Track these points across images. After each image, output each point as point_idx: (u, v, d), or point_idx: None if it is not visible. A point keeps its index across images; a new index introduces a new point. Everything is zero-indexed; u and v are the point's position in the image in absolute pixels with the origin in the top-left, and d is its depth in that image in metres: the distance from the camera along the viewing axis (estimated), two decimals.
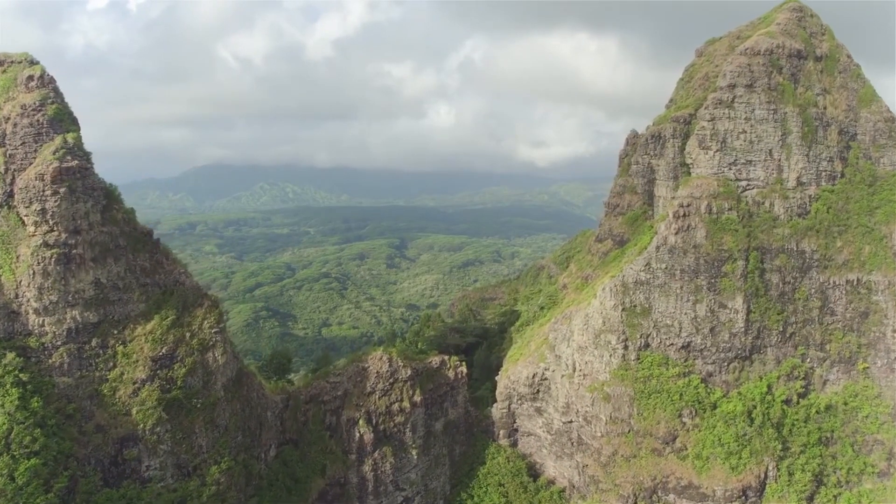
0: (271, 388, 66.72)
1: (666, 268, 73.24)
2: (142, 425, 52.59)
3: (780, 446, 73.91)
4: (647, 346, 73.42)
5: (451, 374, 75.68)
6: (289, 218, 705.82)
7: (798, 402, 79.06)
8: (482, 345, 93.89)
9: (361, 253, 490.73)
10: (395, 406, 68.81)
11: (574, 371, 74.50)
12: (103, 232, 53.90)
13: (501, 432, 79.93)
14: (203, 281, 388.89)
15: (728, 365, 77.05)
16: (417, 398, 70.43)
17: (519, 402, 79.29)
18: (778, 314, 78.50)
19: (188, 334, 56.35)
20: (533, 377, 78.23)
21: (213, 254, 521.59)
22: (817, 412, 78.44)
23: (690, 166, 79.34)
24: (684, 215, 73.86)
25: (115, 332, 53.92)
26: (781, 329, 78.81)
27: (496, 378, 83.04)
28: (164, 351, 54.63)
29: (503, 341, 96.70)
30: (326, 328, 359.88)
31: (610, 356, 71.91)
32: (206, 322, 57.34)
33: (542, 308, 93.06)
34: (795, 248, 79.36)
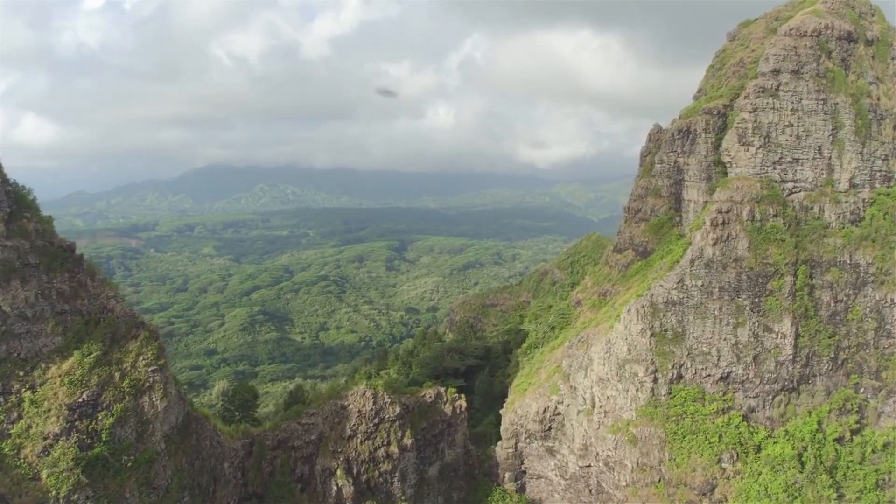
0: (231, 432, 55.47)
1: (702, 285, 61.92)
2: (54, 492, 41.32)
3: (834, 494, 62.75)
4: (680, 377, 62.11)
5: (448, 408, 64.41)
6: (288, 219, 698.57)
7: (851, 440, 68.10)
8: (484, 369, 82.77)
9: (360, 255, 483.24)
10: (381, 451, 57.54)
11: (593, 407, 63.19)
12: (7, 247, 42.73)
13: (507, 475, 68.61)
14: (200, 283, 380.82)
15: (773, 398, 65.78)
16: (408, 441, 59.17)
17: (527, 440, 67.98)
18: (829, 338, 67.36)
19: (118, 374, 45.11)
20: (544, 412, 66.88)
21: (211, 256, 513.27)
22: (873, 451, 67.44)
23: (727, 165, 68.05)
24: (723, 223, 62.57)
25: (21, 373, 42.69)
26: (833, 355, 67.68)
27: (500, 411, 71.73)
28: (85, 396, 43.39)
29: (507, 364, 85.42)
30: (324, 332, 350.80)
31: (636, 390, 60.58)
32: (141, 358, 46.09)
33: (552, 328, 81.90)
34: (849, 261, 68.15)
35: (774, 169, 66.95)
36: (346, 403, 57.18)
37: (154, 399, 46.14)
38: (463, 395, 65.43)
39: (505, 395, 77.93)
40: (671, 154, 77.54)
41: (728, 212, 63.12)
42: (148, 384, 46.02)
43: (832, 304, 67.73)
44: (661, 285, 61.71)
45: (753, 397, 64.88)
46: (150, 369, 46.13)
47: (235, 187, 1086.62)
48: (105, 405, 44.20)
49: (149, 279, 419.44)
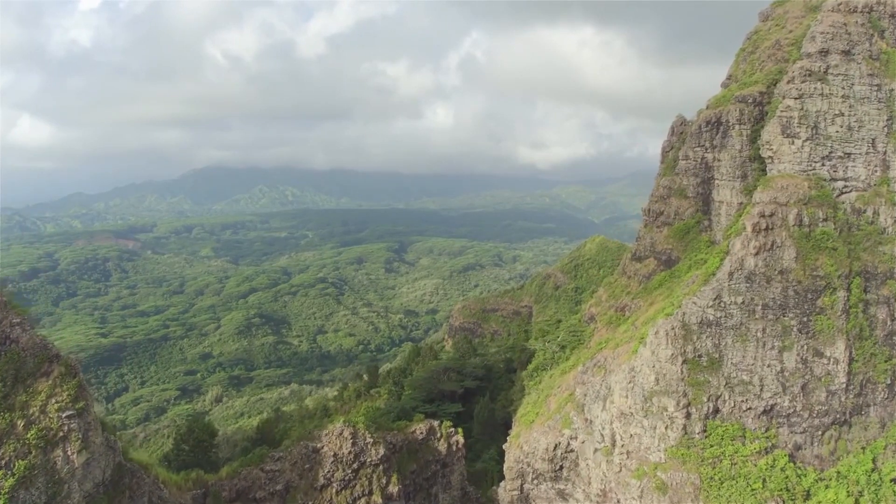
0: (180, 482, 46.05)
1: (743, 302, 52.42)
2: None
3: None
4: (717, 412, 52.61)
5: (442, 446, 54.93)
6: (287, 221, 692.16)
7: None
8: (485, 393, 73.31)
9: (359, 257, 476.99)
10: (362, 502, 48.06)
11: (613, 445, 53.69)
12: None
13: None
14: (196, 286, 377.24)
15: (823, 434, 56.27)
16: (394, 488, 49.71)
17: (535, 481, 58.50)
18: (885, 361, 57.90)
19: (21, 423, 35.71)
20: (554, 448, 57.40)
21: (209, 257, 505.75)
22: None
23: (768, 161, 58.61)
24: (767, 228, 53.10)
25: None
26: (889, 381, 58.21)
27: (504, 446, 62.27)
28: None
29: (511, 387, 75.92)
30: (322, 336, 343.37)
31: (665, 428, 51.09)
32: (53, 401, 36.66)
33: (562, 347, 72.40)
34: None
35: (823, 165, 57.49)
36: (318, 446, 47.71)
37: (70, 452, 36.68)
38: (460, 430, 55.98)
39: (508, 424, 68.54)
40: (698, 149, 68.05)
41: (772, 215, 53.67)
42: (62, 434, 36.55)
43: (889, 323, 58.32)
44: (695, 303, 52.23)
45: (801, 433, 55.39)
46: (64, 415, 36.66)
47: (234, 188, 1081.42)
48: (4, 462, 34.79)
49: (145, 281, 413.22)
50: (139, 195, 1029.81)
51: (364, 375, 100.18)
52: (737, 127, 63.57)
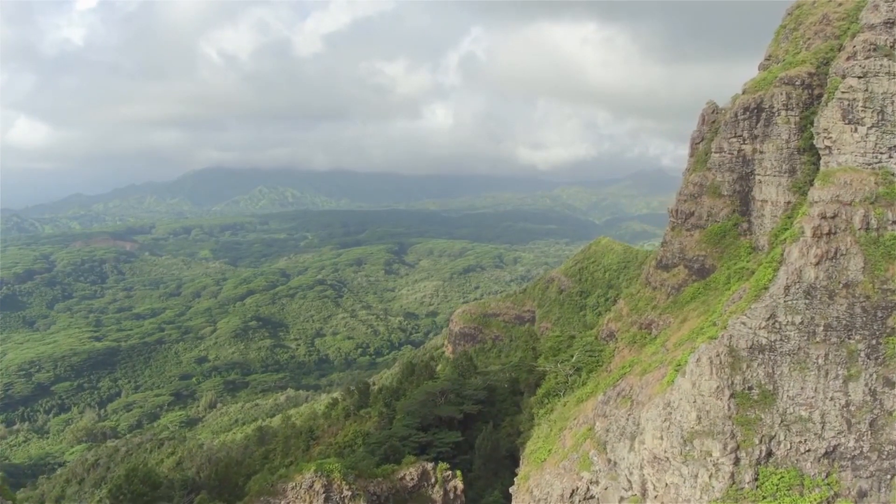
0: None
1: (802, 322, 43.23)
2: None
3: None
4: (770, 455, 43.40)
5: (437, 493, 45.81)
6: (287, 222, 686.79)
7: None
8: (488, 420, 64.26)
9: (359, 259, 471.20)
10: None
11: (644, 495, 44.54)
12: None
13: None
14: (193, 288, 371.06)
15: (892, 478, 47.02)
16: None
17: None
18: None
19: None
20: (571, 495, 48.22)
21: (208, 259, 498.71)
22: None
23: (824, 152, 49.45)
24: (829, 233, 43.93)
25: None
26: None
27: (511, 489, 53.09)
28: None
29: (517, 412, 66.79)
30: (320, 339, 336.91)
31: (710, 477, 41.95)
32: None
33: (577, 370, 63.19)
34: None
35: (890, 157, 48.23)
36: (283, 503, 38.58)
37: None
38: (459, 473, 46.85)
39: (514, 457, 59.36)
40: (734, 140, 58.87)
41: (834, 217, 44.50)
42: None
43: None
44: (744, 323, 43.09)
45: (866, 478, 46.04)
46: None
47: (234, 189, 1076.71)
48: None
49: (142, 283, 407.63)
50: (138, 196, 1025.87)
51: (354, 391, 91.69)
52: (783, 113, 54.44)
